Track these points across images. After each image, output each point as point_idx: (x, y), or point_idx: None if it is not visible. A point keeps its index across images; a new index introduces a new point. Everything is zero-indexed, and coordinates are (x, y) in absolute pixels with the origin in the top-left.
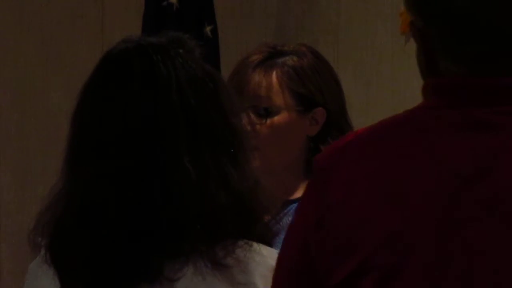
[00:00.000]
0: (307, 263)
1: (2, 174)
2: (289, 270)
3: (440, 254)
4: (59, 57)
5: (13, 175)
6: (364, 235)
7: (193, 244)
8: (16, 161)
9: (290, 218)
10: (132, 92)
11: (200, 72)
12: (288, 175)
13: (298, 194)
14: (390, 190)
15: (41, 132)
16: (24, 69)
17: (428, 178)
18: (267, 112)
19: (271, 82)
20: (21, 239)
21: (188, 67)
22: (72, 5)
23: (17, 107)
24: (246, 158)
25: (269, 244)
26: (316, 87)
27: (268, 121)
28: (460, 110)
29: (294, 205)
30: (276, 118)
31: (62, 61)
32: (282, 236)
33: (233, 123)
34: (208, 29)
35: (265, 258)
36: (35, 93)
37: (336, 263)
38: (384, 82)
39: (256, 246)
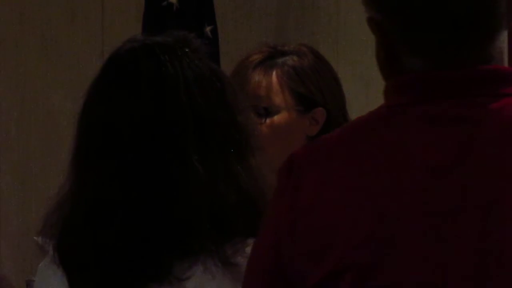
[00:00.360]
0: (280, 266)
1: (2, 174)
2: (261, 272)
3: (422, 249)
4: (59, 57)
5: (13, 175)
6: (340, 235)
7: (203, 243)
8: (16, 161)
9: None
10: (140, 92)
11: (207, 71)
12: None
13: None
14: (363, 189)
15: (41, 132)
16: (24, 69)
17: (400, 175)
18: (267, 111)
19: (271, 82)
20: (21, 239)
21: (195, 67)
22: (72, 5)
23: (17, 107)
24: (253, 156)
25: None
26: (316, 87)
27: (268, 120)
28: (425, 106)
29: None
30: (276, 118)
31: (62, 61)
32: None
33: (240, 121)
34: (208, 29)
35: None
36: (35, 93)
37: (312, 264)
38: (384, 82)
39: None
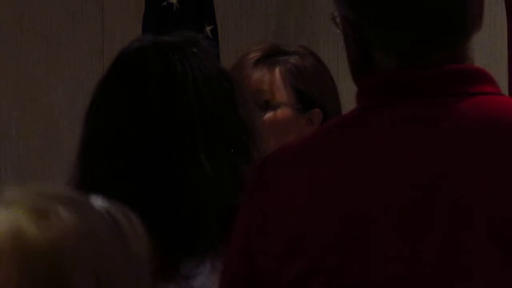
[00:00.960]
0: (250, 268)
1: (2, 173)
2: (233, 275)
3: (391, 246)
4: (59, 57)
5: (13, 175)
6: (310, 236)
7: (210, 242)
8: (16, 160)
9: None
10: (148, 90)
11: (215, 71)
12: None
13: None
14: (332, 190)
15: (41, 132)
16: (24, 69)
17: (368, 175)
18: (268, 105)
19: (274, 77)
20: None
21: (204, 67)
22: (72, 5)
23: (17, 107)
24: (259, 157)
25: None
26: (316, 88)
27: (268, 114)
28: (395, 107)
29: None
30: (276, 112)
31: (62, 61)
32: None
33: (247, 122)
34: (208, 29)
35: None
36: (35, 93)
37: (282, 267)
38: None
39: None
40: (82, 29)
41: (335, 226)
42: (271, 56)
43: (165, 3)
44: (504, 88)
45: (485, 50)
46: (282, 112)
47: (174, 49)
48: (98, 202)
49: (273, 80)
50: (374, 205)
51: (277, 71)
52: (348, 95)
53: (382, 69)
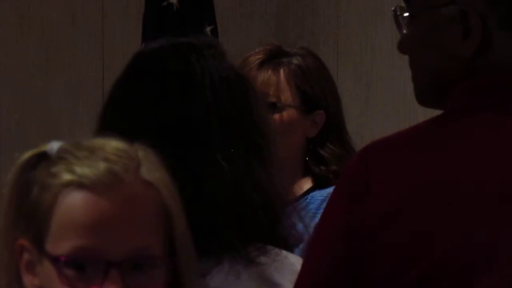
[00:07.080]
0: (347, 274)
1: (2, 174)
2: (319, 283)
3: None
4: (59, 57)
5: None
6: (431, 242)
7: (227, 241)
8: (16, 160)
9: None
10: (166, 89)
11: (232, 74)
12: (285, 174)
13: (293, 195)
14: (452, 192)
15: (41, 132)
16: (24, 69)
17: (488, 177)
18: (275, 107)
19: (279, 79)
20: None
21: (221, 68)
22: (72, 5)
23: (17, 107)
24: (272, 160)
25: (291, 249)
26: (320, 89)
27: (274, 116)
28: (493, 110)
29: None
30: (282, 114)
31: (62, 61)
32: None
33: (262, 125)
34: (208, 29)
35: (293, 265)
36: (35, 93)
37: (400, 270)
38: (384, 82)
39: (284, 252)
40: (82, 29)
41: (457, 231)
42: (274, 58)
43: (165, 3)
44: None
45: None
46: (288, 114)
47: (192, 50)
48: None
49: (279, 81)
50: (500, 211)
51: (281, 72)
52: (347, 95)
53: (501, 52)
